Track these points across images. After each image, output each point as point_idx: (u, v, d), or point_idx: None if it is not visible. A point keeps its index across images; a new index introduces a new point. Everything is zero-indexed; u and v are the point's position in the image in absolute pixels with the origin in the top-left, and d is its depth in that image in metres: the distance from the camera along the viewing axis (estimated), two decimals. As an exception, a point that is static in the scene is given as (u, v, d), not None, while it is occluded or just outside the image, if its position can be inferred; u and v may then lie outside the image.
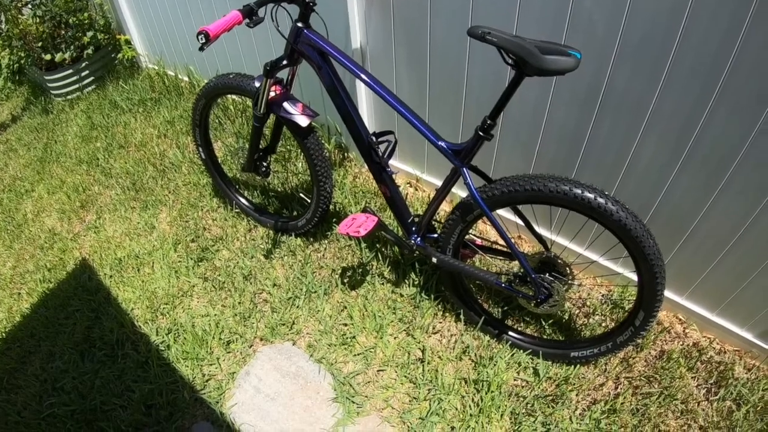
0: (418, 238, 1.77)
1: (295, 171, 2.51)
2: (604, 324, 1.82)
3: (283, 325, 1.97)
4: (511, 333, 1.79)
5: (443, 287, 1.90)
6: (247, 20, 1.44)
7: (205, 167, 2.35)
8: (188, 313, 2.09)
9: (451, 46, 1.78)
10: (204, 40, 1.34)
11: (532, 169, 1.86)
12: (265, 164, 2.01)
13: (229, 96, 3.02)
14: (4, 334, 2.41)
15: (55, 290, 2.47)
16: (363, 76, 1.55)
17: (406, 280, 2.01)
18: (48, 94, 3.92)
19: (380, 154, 1.67)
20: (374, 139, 1.67)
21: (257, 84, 1.78)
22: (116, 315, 2.17)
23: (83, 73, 3.75)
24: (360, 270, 2.07)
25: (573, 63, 1.17)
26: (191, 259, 2.28)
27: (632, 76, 1.42)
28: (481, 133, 1.37)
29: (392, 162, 2.26)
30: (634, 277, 1.49)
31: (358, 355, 1.86)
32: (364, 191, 2.34)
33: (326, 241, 2.20)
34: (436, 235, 1.75)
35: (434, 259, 1.69)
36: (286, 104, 1.74)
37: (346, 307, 1.98)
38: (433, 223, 1.76)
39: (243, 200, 2.36)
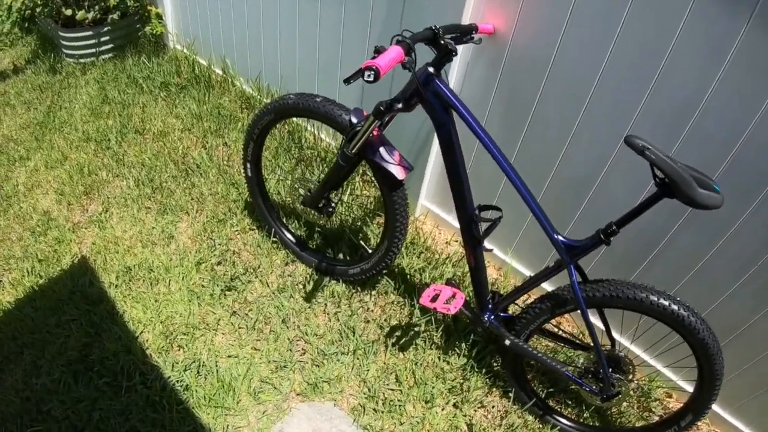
0: (492, 317, 1.69)
1: (356, 214, 2.33)
2: (630, 409, 1.83)
3: (326, 382, 1.79)
4: (556, 417, 1.77)
5: (502, 366, 1.83)
6: (407, 58, 1.30)
7: (248, 186, 2.14)
8: (211, 350, 1.88)
9: (555, 123, 1.71)
10: (372, 78, 1.19)
11: (596, 259, 1.85)
12: (332, 204, 1.84)
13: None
14: (-23, 328, 2.11)
15: (46, 288, 2.19)
16: (489, 144, 1.42)
17: (456, 349, 1.89)
18: (59, 52, 3.58)
19: (480, 230, 1.55)
20: (478, 212, 1.54)
21: (353, 119, 1.60)
22: (122, 336, 1.93)
23: (103, 39, 3.44)
24: (410, 331, 1.93)
25: (720, 202, 1.16)
26: (217, 285, 2.06)
27: (728, 196, 1.42)
28: (602, 237, 1.33)
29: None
30: (688, 387, 1.62)
31: (404, 424, 1.72)
32: (415, 243, 2.20)
33: (374, 293, 2.04)
34: (508, 315, 1.70)
35: (507, 342, 1.62)
36: (382, 150, 1.58)
37: (394, 371, 1.84)
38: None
39: (285, 231, 2.16)
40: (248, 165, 2.06)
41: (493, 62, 1.77)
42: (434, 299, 1.63)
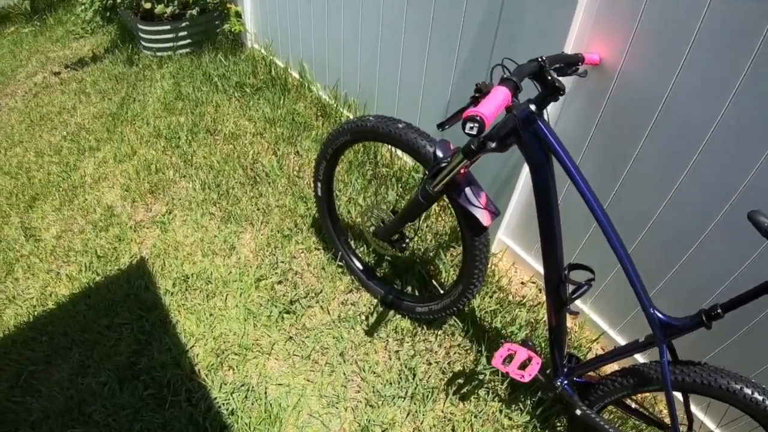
0: (566, 382, 1.63)
1: (429, 244, 2.34)
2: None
3: (378, 425, 1.79)
4: None
5: (567, 431, 1.78)
6: (515, 101, 1.23)
7: (317, 206, 2.19)
8: (262, 375, 1.92)
9: (657, 172, 1.62)
10: (475, 132, 1.10)
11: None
12: (406, 239, 1.85)
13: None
14: (32, 317, 2.27)
15: (101, 286, 2.33)
16: (587, 194, 1.36)
17: (520, 404, 1.84)
18: (137, 44, 3.86)
19: (568, 293, 1.49)
20: (568, 272, 1.48)
21: (438, 152, 1.59)
22: (172, 348, 2.01)
23: (180, 33, 3.69)
24: (473, 380, 1.89)
25: None
26: (275, 307, 2.11)
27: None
28: (704, 319, 1.24)
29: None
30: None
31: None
32: (489, 281, 2.16)
33: (441, 333, 2.02)
34: (582, 380, 1.63)
35: (577, 411, 1.56)
36: (468, 191, 1.55)
37: (452, 421, 1.81)
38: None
39: (352, 257, 2.20)
40: (319, 184, 2.11)
41: (596, 97, 1.70)
42: (508, 360, 1.59)
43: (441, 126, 1.24)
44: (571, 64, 1.50)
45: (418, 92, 2.43)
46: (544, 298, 1.60)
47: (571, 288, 1.48)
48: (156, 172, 2.82)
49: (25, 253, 2.56)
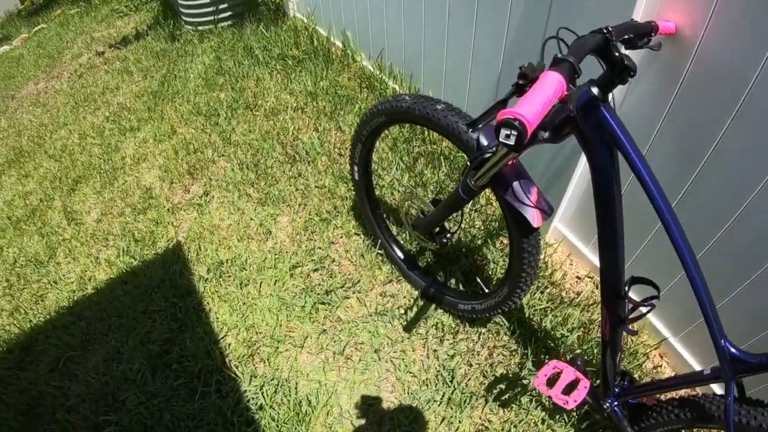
0: (616, 403, 1.48)
1: (476, 232, 2.21)
2: None
3: (410, 430, 1.72)
4: None
5: None
6: (572, 88, 1.02)
7: (355, 190, 2.11)
8: (293, 369, 1.89)
9: (741, 167, 1.39)
10: (513, 141, 0.88)
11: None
12: (448, 234, 1.73)
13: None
14: (71, 302, 2.34)
15: (138, 271, 2.36)
16: (658, 198, 1.11)
17: (565, 415, 1.72)
18: (178, 19, 3.88)
19: (627, 309, 1.33)
20: (628, 287, 1.31)
21: (482, 140, 1.41)
22: (204, 338, 2.01)
23: (221, 6, 3.67)
24: (516, 386, 1.78)
25: None
26: (310, 297, 2.07)
27: None
28: None
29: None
30: None
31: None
32: (541, 275, 2.02)
33: (485, 331, 1.91)
34: (635, 401, 1.48)
35: None
36: (517, 186, 1.39)
37: (488, 429, 1.71)
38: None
39: (393, 245, 2.11)
40: (355, 168, 2.02)
41: (670, 74, 1.47)
42: (553, 380, 1.46)
43: (472, 125, 1.07)
44: (642, 34, 1.25)
45: (466, 63, 2.26)
46: (600, 303, 1.44)
47: (630, 306, 1.31)
48: (194, 152, 2.83)
49: (67, 237, 2.64)
